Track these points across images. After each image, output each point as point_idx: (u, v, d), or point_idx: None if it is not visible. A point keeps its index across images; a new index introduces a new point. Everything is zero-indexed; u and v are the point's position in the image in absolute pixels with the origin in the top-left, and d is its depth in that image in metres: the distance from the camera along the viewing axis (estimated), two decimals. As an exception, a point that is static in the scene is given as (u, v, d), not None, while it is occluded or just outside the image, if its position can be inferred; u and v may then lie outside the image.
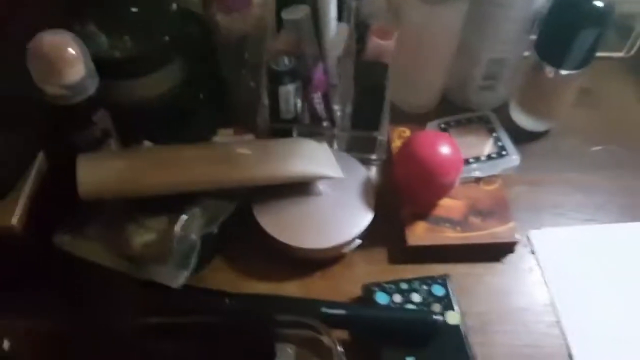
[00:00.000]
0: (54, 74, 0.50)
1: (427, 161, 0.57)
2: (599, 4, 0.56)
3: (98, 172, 0.54)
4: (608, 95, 0.75)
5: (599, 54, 0.61)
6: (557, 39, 0.60)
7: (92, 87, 0.53)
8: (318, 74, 0.61)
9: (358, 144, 0.66)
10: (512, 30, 0.63)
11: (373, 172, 0.66)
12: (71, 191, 0.52)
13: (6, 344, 0.49)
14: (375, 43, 0.60)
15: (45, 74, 0.50)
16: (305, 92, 0.62)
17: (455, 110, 0.70)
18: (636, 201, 0.64)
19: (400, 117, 0.69)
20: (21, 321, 0.50)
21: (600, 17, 0.57)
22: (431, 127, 0.67)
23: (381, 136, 0.64)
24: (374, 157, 0.66)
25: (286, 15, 0.59)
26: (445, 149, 0.57)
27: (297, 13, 0.58)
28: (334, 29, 0.60)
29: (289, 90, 0.60)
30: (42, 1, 0.62)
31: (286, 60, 0.59)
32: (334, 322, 0.52)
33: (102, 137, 0.57)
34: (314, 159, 0.60)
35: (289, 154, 0.59)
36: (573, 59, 0.60)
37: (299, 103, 0.62)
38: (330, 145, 0.65)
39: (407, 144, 0.59)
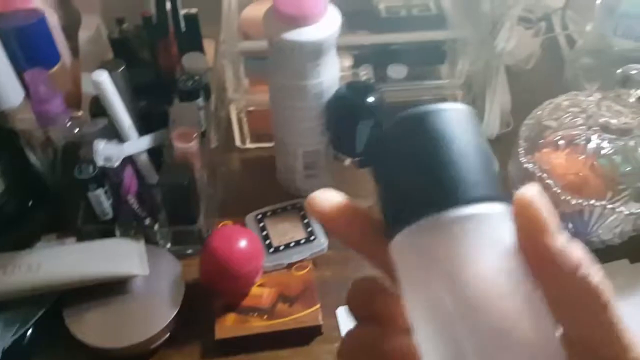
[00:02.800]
0: None
1: (220, 255, 0.60)
2: (368, 99, 0.62)
3: None
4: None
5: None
6: (341, 131, 0.65)
7: None
8: (128, 177, 0.65)
9: (181, 238, 0.69)
10: (313, 126, 0.68)
11: (197, 263, 0.69)
12: None
13: None
14: (178, 146, 0.65)
15: None
16: (119, 195, 0.66)
17: (289, 197, 0.75)
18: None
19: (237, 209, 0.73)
20: None
21: (371, 110, 0.62)
22: (249, 219, 0.71)
23: (198, 230, 0.67)
24: (196, 247, 0.69)
25: (90, 126, 0.63)
26: (240, 243, 0.61)
27: (94, 126, 0.62)
28: (135, 136, 0.64)
29: (97, 194, 0.64)
30: None
31: (90, 169, 0.63)
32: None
33: None
34: (120, 258, 0.63)
35: (94, 256, 0.62)
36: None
37: (114, 204, 0.66)
38: (154, 239, 0.68)
39: (206, 242, 0.63)
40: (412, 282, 0.26)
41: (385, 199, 0.27)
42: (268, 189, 0.77)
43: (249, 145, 0.82)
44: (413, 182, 0.25)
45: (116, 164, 0.58)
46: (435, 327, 0.25)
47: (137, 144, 0.63)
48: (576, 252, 0.24)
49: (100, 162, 0.56)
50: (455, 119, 0.25)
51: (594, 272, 0.24)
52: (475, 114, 0.27)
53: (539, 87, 0.73)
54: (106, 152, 0.56)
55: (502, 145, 0.80)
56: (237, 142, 0.82)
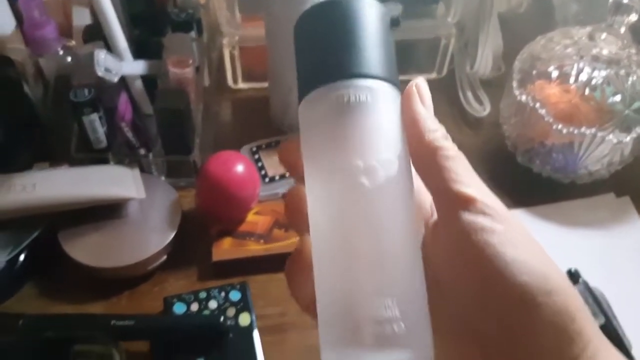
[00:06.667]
0: None
1: (216, 177, 0.61)
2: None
3: None
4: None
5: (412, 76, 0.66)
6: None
7: None
8: (122, 103, 0.65)
9: (175, 168, 0.69)
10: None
11: (192, 194, 0.69)
12: None
13: None
14: (173, 71, 0.64)
15: None
16: (113, 122, 0.66)
17: (281, 134, 0.75)
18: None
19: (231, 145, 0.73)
20: None
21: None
22: (244, 150, 0.71)
23: (194, 159, 0.67)
24: (190, 180, 0.69)
25: (84, 50, 0.63)
26: (236, 167, 0.61)
27: (89, 48, 0.61)
28: (130, 58, 0.64)
29: (92, 119, 0.63)
30: None
31: (86, 92, 0.62)
32: (126, 334, 0.54)
33: None
34: (115, 182, 0.63)
35: (89, 179, 0.62)
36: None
37: (108, 132, 0.66)
38: (148, 171, 0.68)
39: (203, 166, 0.63)
40: (307, 143, 0.29)
41: (299, 69, 0.30)
42: (260, 127, 0.77)
43: (241, 85, 0.82)
44: (321, 54, 0.29)
45: (115, 78, 0.57)
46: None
47: (134, 65, 0.63)
48: (433, 122, 0.29)
49: (100, 72, 0.56)
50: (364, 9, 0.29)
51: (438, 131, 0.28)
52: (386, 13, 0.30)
53: (530, 33, 0.74)
54: (107, 62, 0.56)
55: (493, 88, 0.81)
56: (230, 82, 0.82)
